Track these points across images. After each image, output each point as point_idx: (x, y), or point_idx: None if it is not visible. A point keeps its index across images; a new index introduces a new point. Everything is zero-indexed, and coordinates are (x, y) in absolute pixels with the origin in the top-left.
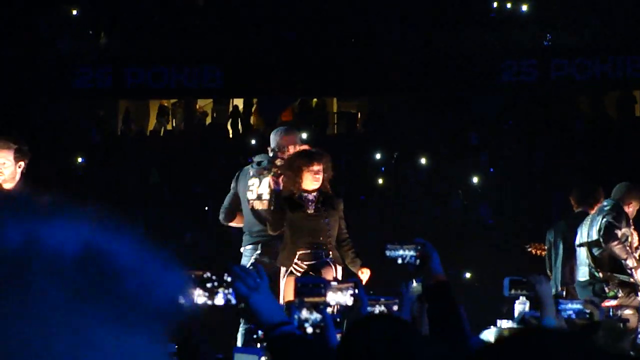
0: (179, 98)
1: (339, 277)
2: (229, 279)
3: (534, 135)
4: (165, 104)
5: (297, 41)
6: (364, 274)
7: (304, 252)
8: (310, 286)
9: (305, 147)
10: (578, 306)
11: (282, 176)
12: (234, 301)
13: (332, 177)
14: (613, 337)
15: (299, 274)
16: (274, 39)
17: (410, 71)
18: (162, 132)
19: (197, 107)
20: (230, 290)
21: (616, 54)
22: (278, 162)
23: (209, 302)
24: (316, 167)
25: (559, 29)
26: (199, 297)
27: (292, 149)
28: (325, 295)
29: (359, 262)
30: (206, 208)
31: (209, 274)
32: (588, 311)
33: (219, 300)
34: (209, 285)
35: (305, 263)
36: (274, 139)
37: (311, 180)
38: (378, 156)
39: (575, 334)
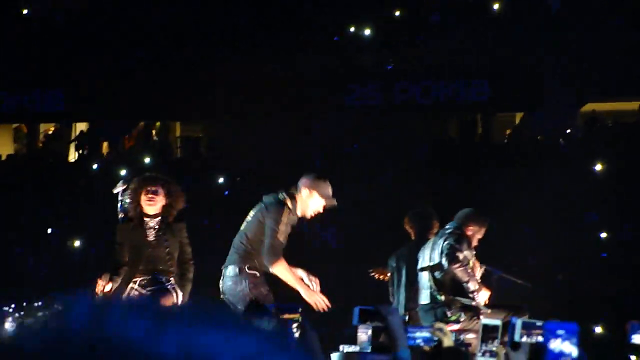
0: (21, 122)
1: (179, 302)
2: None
3: (379, 159)
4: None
5: (139, 65)
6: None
7: (143, 278)
8: None
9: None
10: (426, 334)
11: None
12: None
13: (179, 204)
14: None
15: None
16: (116, 62)
17: (254, 96)
18: (3, 157)
19: (41, 131)
20: None
21: (460, 78)
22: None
23: None
24: (150, 188)
25: (403, 52)
26: None
27: (310, 193)
28: None
29: (186, 288)
30: (49, 231)
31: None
32: (436, 338)
33: None
34: None
35: (145, 290)
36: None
37: (146, 204)
38: (221, 180)
39: None
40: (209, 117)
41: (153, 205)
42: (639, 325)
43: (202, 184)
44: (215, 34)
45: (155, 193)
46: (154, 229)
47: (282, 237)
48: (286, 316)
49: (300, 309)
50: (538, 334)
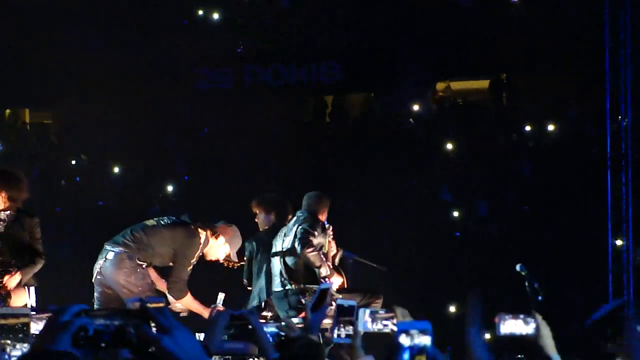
0: None
1: (33, 300)
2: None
3: (230, 142)
4: None
5: None
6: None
7: None
8: None
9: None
10: (272, 329)
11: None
12: None
13: (22, 194)
14: (309, 350)
15: None
16: None
17: (104, 79)
18: None
19: None
20: None
21: (311, 61)
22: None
23: None
24: None
25: (252, 36)
26: None
27: (224, 244)
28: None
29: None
30: None
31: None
32: (283, 333)
33: None
34: None
35: None
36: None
37: None
38: (72, 165)
39: None
40: (58, 103)
41: None
42: (506, 316)
43: (53, 170)
44: (64, 16)
45: None
46: (4, 221)
47: (189, 270)
48: (152, 305)
49: (163, 301)
50: (385, 321)
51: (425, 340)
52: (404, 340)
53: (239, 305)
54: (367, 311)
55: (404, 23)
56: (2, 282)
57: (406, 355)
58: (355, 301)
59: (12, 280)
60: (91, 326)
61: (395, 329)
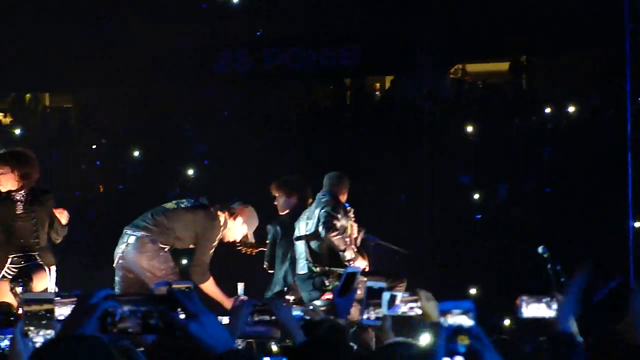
0: None
1: (53, 280)
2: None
3: (250, 126)
4: None
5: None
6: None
7: (15, 255)
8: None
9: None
10: (298, 312)
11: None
12: None
13: (34, 172)
14: (334, 333)
15: (10, 277)
16: None
17: (124, 63)
18: None
19: None
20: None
21: (329, 44)
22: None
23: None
24: None
25: (271, 19)
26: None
27: (242, 224)
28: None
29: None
30: None
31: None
32: (309, 317)
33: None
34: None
35: (16, 267)
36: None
37: None
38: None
39: None
40: (79, 88)
41: (1, 186)
42: (528, 298)
43: (73, 154)
44: (81, 3)
45: (2, 174)
46: (21, 201)
47: (210, 253)
48: (178, 286)
49: (190, 283)
50: (410, 304)
51: (464, 320)
52: (443, 321)
53: (261, 292)
54: (399, 295)
55: (423, 5)
56: (21, 267)
57: (445, 336)
58: (384, 283)
59: (63, 216)
60: (118, 311)
61: (419, 312)
